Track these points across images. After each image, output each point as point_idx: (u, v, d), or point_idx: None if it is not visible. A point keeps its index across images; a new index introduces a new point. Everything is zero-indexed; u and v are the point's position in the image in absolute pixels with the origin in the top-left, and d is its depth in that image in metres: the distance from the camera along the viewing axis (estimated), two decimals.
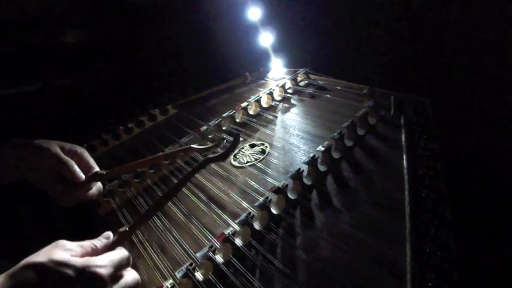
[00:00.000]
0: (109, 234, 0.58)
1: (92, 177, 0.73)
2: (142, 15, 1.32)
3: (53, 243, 0.51)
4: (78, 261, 0.48)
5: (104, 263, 0.49)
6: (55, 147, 0.70)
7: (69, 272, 0.46)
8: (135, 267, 0.66)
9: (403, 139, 0.74)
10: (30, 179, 0.70)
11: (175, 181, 0.83)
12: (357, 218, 0.62)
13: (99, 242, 0.56)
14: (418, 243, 0.53)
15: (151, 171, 0.90)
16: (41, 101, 1.16)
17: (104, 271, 0.48)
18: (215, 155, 0.70)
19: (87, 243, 0.54)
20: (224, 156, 0.69)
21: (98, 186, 0.75)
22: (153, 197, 0.82)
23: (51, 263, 0.47)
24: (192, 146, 0.74)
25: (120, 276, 0.52)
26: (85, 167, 0.73)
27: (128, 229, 0.60)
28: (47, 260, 0.47)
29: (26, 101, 1.15)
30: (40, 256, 0.48)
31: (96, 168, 0.74)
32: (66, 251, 0.49)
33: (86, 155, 0.75)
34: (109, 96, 1.28)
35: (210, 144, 0.73)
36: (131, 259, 0.56)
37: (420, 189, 0.62)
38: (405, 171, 0.66)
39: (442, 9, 1.09)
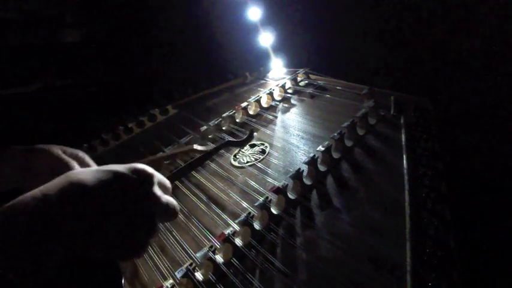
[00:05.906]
0: None
1: None
2: (142, 15, 1.32)
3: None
4: (126, 165, 0.46)
5: (150, 169, 0.47)
6: (56, 149, 0.71)
7: (120, 168, 0.45)
8: (135, 267, 0.67)
9: (403, 139, 0.74)
10: (30, 188, 0.70)
11: (176, 181, 0.83)
12: (357, 218, 0.62)
13: None
14: (418, 243, 0.53)
15: None
16: (41, 101, 1.16)
17: (151, 170, 0.46)
18: (237, 140, 0.78)
19: None
20: (241, 144, 0.78)
21: None
22: None
23: (99, 168, 0.46)
24: (195, 147, 0.74)
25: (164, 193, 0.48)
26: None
27: None
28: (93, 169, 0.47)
29: (26, 101, 1.15)
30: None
31: None
32: None
33: (87, 158, 0.75)
34: (109, 97, 1.28)
35: (212, 146, 0.73)
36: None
37: (420, 189, 0.62)
38: (405, 171, 0.66)
39: (441, 8, 1.10)
